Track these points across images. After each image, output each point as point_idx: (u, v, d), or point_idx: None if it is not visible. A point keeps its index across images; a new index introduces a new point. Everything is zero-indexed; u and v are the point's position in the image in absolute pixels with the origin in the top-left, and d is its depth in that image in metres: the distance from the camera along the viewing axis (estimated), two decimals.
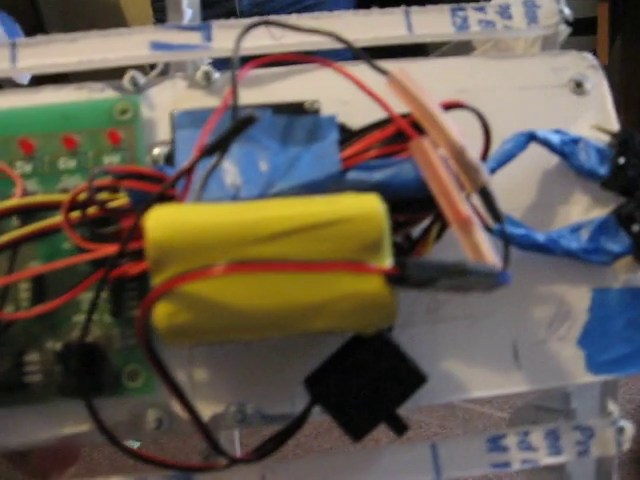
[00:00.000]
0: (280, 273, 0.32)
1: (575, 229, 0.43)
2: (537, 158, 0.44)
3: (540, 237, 0.41)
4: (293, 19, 0.44)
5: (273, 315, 0.32)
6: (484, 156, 0.38)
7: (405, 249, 0.39)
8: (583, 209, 0.44)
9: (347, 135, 0.39)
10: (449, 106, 0.38)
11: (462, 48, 0.51)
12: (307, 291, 0.32)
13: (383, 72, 0.37)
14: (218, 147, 0.33)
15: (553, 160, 0.44)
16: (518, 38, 0.50)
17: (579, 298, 0.43)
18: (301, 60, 0.40)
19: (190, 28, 0.46)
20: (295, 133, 0.40)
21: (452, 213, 0.34)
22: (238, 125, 0.32)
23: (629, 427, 0.43)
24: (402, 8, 0.46)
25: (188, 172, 0.35)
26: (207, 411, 0.40)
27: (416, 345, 0.41)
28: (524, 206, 0.44)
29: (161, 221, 0.32)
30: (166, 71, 0.49)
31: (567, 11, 0.47)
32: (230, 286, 0.32)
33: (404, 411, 0.39)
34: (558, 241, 0.42)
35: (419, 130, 0.37)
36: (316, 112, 0.41)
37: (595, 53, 1.32)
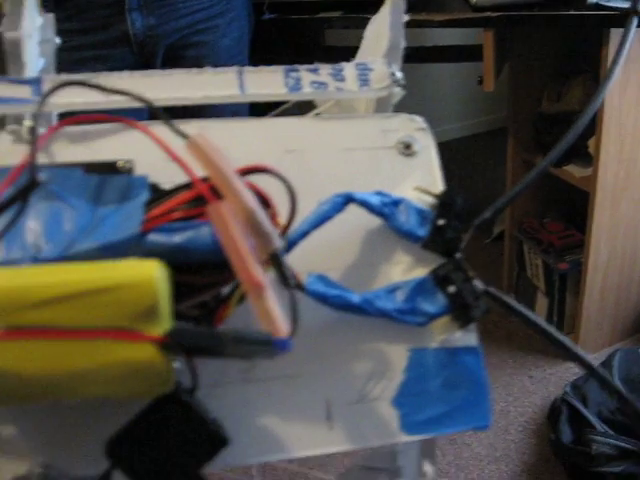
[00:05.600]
0: (52, 340, 0.31)
1: (392, 290, 0.43)
2: (360, 218, 0.44)
3: (355, 298, 0.42)
4: (116, 78, 0.44)
5: (46, 381, 0.32)
6: (290, 219, 0.39)
7: (209, 309, 0.39)
8: (404, 269, 0.45)
9: (159, 195, 0.40)
10: (252, 170, 0.38)
11: (305, 106, 0.52)
12: (79, 358, 0.32)
13: (183, 135, 0.37)
14: (2, 210, 0.33)
15: (377, 221, 0.45)
16: (358, 98, 0.51)
17: (396, 358, 0.43)
18: (108, 120, 0.40)
19: (20, 82, 0.45)
20: (107, 193, 0.40)
21: (244, 277, 0.35)
22: (21, 192, 0.32)
23: None
24: (235, 68, 0.47)
25: None
26: (8, 472, 0.38)
27: (228, 405, 0.41)
28: (344, 266, 0.44)
29: None
30: (2, 124, 0.48)
31: (399, 74, 0.49)
32: (5, 351, 0.32)
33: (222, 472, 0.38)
34: (373, 302, 0.42)
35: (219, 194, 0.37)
36: (128, 172, 0.41)
37: (482, 79, 1.38)
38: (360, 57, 0.62)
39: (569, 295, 1.72)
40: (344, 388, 0.42)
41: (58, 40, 0.62)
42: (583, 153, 1.52)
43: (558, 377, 1.69)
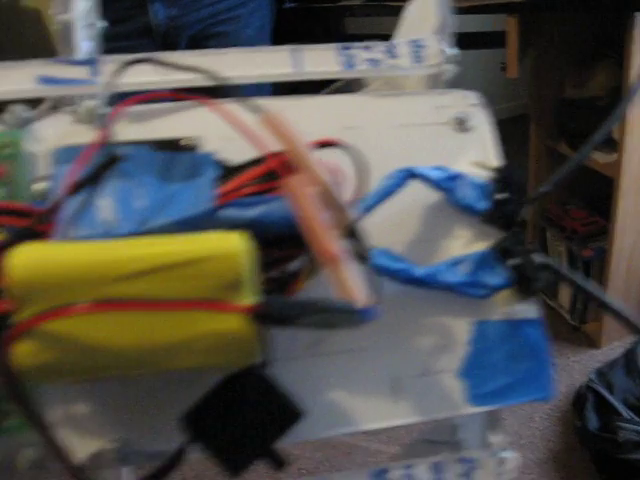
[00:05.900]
0: (140, 312, 0.32)
1: (454, 263, 0.43)
2: (419, 194, 0.45)
3: (419, 271, 0.42)
4: (175, 56, 0.44)
5: (135, 353, 0.32)
6: (359, 193, 0.39)
7: (281, 284, 0.39)
8: (464, 243, 0.45)
9: (227, 172, 0.40)
10: (324, 144, 0.38)
11: (355, 85, 0.52)
12: (167, 329, 0.32)
13: (258, 111, 0.38)
14: (80, 188, 0.33)
15: (436, 196, 0.45)
16: (408, 76, 0.52)
17: (460, 330, 0.43)
18: (179, 98, 0.40)
19: (78, 63, 0.46)
20: (175, 170, 0.40)
21: (319, 250, 0.35)
22: (100, 168, 0.33)
23: (512, 457, 0.44)
24: (290, 46, 0.47)
25: (54, 209, 0.35)
26: (86, 449, 0.39)
27: (296, 379, 0.41)
28: (406, 241, 0.44)
29: (24, 259, 0.32)
30: (58, 105, 0.48)
31: (450, 51, 0.49)
32: (92, 325, 0.32)
33: (295, 448, 0.38)
34: (437, 275, 0.42)
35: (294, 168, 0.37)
36: (193, 149, 0.41)
37: (505, 66, 1.37)
38: (401, 37, 0.62)
39: (593, 282, 1.72)
40: (409, 361, 0.43)
41: (101, 24, 0.62)
42: (607, 139, 1.52)
43: (582, 365, 1.68)
